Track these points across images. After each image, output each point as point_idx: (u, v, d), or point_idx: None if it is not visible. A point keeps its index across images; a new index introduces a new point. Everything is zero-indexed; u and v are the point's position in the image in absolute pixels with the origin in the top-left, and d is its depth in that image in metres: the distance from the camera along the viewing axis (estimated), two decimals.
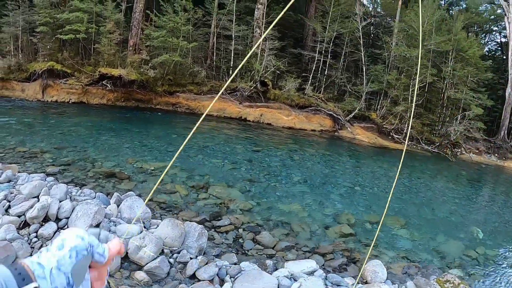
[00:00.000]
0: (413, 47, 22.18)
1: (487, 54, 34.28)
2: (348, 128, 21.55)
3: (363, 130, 21.78)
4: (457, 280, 5.54)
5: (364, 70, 23.76)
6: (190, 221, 5.92)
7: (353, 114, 22.14)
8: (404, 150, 5.98)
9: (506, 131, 26.93)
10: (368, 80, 23.43)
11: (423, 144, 21.75)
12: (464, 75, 22.79)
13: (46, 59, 20.37)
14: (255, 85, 21.29)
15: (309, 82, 23.52)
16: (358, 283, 5.22)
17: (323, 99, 22.55)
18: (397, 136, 21.66)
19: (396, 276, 5.90)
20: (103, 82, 19.47)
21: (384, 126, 21.89)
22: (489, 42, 38.46)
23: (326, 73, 24.40)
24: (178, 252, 5.00)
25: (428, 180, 14.57)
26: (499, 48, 37.10)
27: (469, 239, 8.25)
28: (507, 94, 27.36)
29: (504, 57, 32.29)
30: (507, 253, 7.95)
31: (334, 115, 21.57)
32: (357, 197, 10.15)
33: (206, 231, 5.39)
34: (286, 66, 22.91)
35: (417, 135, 21.87)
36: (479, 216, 11.18)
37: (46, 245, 4.45)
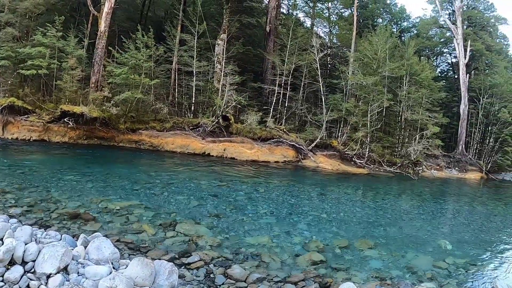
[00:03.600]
0: (368, 75, 23.34)
1: (439, 75, 36.56)
2: (311, 157, 22.04)
3: (326, 158, 22.34)
4: None
5: (323, 99, 24.66)
6: (160, 259, 5.87)
7: (315, 143, 22.74)
8: None
9: (463, 145, 28.54)
10: (327, 109, 24.29)
11: (385, 166, 22.58)
12: (419, 97, 24.18)
13: (6, 95, 19.83)
14: (217, 120, 21.53)
15: (270, 114, 24.07)
16: None
17: (284, 130, 23.08)
18: (359, 161, 22.38)
19: None
20: (65, 119, 19.00)
21: (346, 152, 22.60)
22: (441, 64, 41.04)
23: (286, 105, 25.14)
24: None
25: (393, 200, 15.11)
26: (451, 68, 39.54)
27: (438, 252, 8.62)
28: (461, 110, 29.15)
29: (456, 76, 34.50)
30: (476, 260, 8.40)
31: (297, 145, 22.05)
32: (324, 223, 10.36)
33: (176, 268, 5.37)
34: (247, 100, 23.33)
35: (378, 158, 22.68)
36: (446, 228, 11.75)
37: None
